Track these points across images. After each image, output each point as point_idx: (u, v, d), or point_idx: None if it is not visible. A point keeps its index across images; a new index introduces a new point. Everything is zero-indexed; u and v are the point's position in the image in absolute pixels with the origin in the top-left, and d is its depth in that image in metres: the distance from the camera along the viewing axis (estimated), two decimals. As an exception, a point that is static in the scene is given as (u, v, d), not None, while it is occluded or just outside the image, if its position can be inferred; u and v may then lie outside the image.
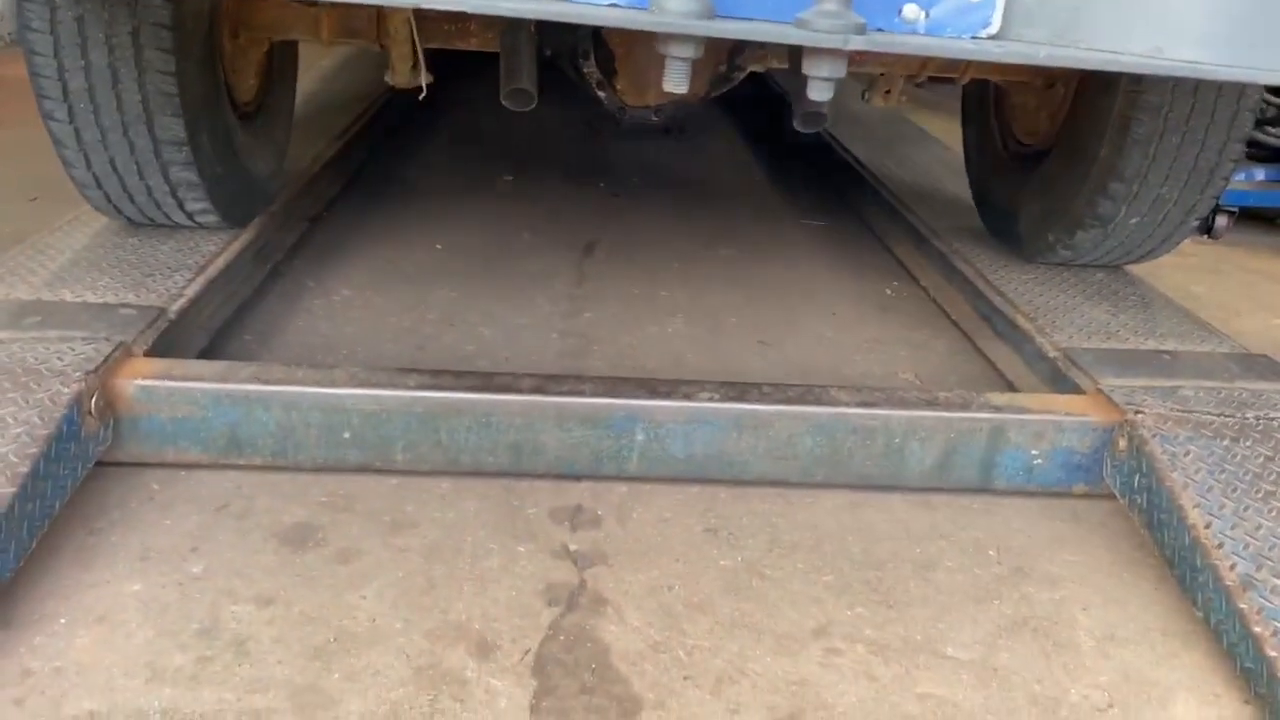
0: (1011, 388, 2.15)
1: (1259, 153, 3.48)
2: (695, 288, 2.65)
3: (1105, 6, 1.05)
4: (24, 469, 1.43)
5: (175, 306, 1.91)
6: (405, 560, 1.56)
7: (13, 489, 1.38)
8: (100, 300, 1.88)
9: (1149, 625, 1.55)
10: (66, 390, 1.55)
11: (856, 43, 0.98)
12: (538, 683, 1.33)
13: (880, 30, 1.06)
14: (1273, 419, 1.73)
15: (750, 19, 1.00)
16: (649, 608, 1.49)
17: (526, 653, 1.39)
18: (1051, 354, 2.01)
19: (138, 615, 1.41)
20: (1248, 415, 1.73)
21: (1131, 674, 1.45)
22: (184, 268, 2.07)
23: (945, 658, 1.45)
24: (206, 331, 2.06)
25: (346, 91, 3.76)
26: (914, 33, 1.05)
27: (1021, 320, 2.17)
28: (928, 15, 1.04)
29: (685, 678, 1.37)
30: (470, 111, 4.13)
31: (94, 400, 1.59)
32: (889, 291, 2.76)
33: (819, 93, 1.05)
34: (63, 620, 1.39)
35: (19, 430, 1.47)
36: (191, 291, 1.98)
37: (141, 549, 1.53)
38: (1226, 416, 1.72)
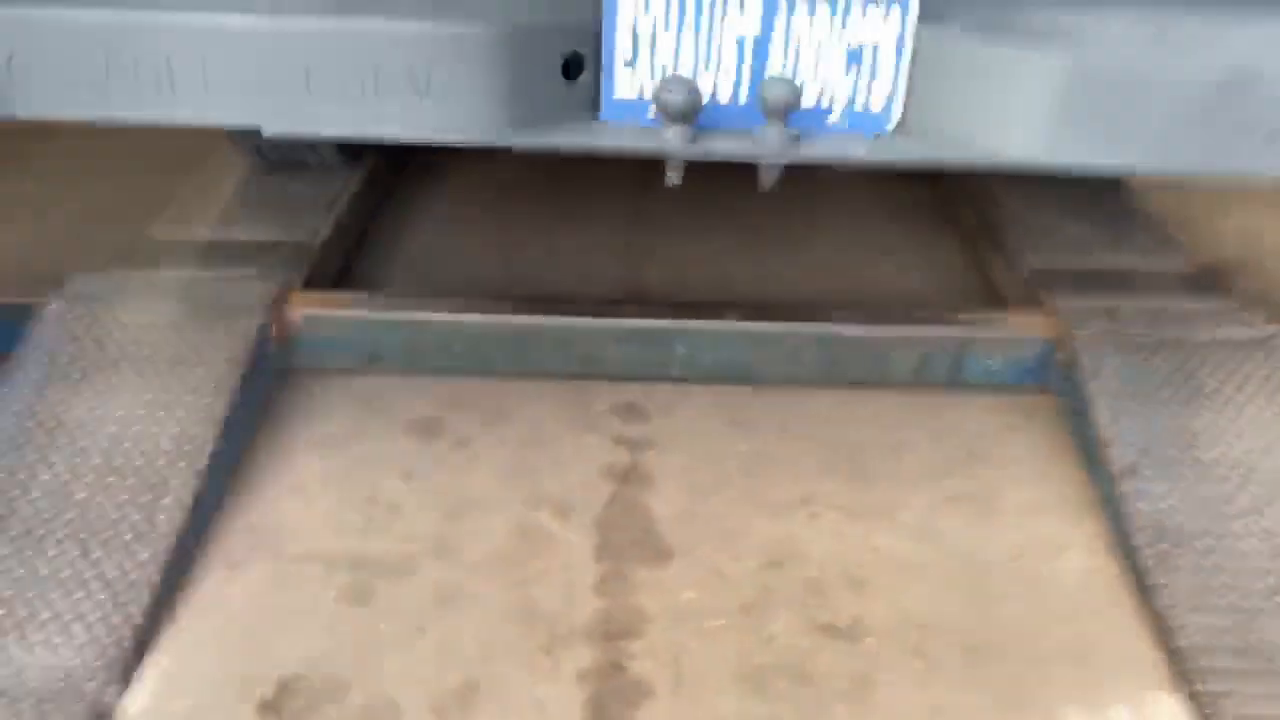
0: (998, 294, 2.58)
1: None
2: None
3: (984, 114, 1.39)
4: (233, 382, 2.00)
5: (318, 240, 2.44)
6: (505, 446, 2.11)
7: (231, 403, 1.96)
8: (264, 238, 2.41)
9: (1065, 498, 2.03)
10: (254, 321, 2.10)
11: (790, 158, 1.40)
12: (600, 537, 1.90)
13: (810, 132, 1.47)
14: (1187, 335, 2.14)
15: (727, 129, 1.42)
16: (683, 483, 2.03)
17: (593, 516, 1.95)
18: (1026, 273, 2.42)
19: (319, 487, 2.00)
20: (1167, 332, 2.14)
21: (1041, 535, 1.95)
22: (319, 204, 2.58)
23: (897, 521, 1.96)
24: (343, 254, 2.60)
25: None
26: (834, 130, 1.43)
27: (1010, 239, 2.57)
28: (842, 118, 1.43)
29: (705, 534, 1.91)
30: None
31: (272, 327, 2.15)
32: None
33: (768, 178, 1.48)
34: (270, 491, 1.99)
35: (228, 353, 2.04)
36: (329, 224, 2.50)
37: (318, 437, 2.11)
38: (1149, 334, 2.14)
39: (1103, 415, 1.99)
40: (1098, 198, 2.77)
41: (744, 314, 2.23)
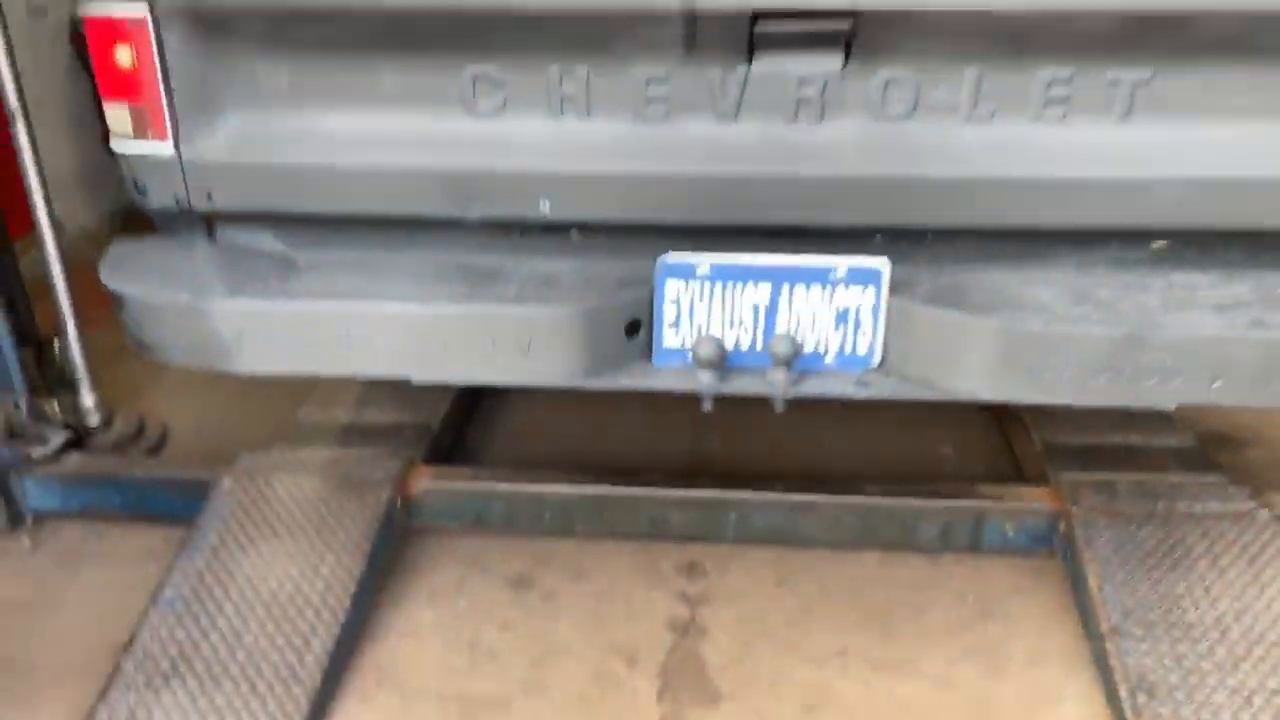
0: (1017, 463, 2.92)
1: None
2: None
3: (942, 360, 1.79)
4: (367, 546, 2.47)
5: (436, 420, 2.93)
6: (584, 599, 2.52)
7: (365, 562, 2.43)
8: (390, 420, 2.91)
9: (1065, 653, 2.34)
10: (385, 494, 2.58)
11: (793, 394, 1.83)
12: (662, 682, 2.27)
13: (809, 371, 1.92)
14: (1174, 508, 2.46)
15: (745, 371, 1.87)
16: (734, 635, 2.40)
17: (657, 663, 2.33)
18: (1038, 448, 2.77)
19: (431, 633, 2.43)
20: (1156, 505, 2.46)
21: (1042, 685, 2.26)
22: (434, 390, 3.09)
23: (918, 672, 2.29)
24: (456, 429, 3.09)
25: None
26: (829, 370, 1.86)
27: (1029, 415, 2.93)
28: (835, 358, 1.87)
29: (751, 681, 2.28)
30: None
31: (398, 499, 2.63)
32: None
33: (778, 406, 1.92)
34: (391, 637, 2.42)
35: (364, 522, 2.51)
36: (444, 407, 3.00)
37: (429, 590, 2.56)
38: (1139, 506, 2.46)
39: (1093, 580, 2.31)
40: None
41: (788, 486, 2.62)
